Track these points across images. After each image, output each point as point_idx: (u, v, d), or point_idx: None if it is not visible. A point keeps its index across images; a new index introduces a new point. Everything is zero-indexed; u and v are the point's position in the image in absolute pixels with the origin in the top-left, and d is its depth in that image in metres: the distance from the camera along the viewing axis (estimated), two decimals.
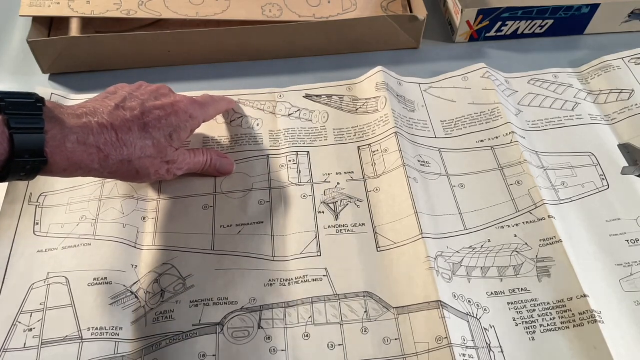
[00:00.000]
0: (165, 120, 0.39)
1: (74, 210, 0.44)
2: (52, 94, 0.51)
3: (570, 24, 0.57)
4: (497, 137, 0.48)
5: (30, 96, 0.33)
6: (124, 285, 0.40)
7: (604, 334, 0.36)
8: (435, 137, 0.49)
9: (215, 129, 0.50)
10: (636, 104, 0.50)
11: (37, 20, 0.55)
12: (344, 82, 0.53)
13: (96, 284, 0.40)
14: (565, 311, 0.38)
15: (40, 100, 0.33)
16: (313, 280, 0.40)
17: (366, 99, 0.51)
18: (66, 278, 0.40)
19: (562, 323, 0.37)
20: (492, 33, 0.57)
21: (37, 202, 0.45)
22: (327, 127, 0.50)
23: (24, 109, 0.32)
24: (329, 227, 0.43)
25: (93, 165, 0.35)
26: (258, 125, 0.50)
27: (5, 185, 0.45)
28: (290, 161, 0.47)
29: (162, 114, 0.39)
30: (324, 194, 0.45)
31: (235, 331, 0.38)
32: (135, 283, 0.40)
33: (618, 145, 0.48)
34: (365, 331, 0.38)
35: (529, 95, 0.52)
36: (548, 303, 0.38)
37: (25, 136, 0.31)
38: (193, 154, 0.43)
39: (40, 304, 0.39)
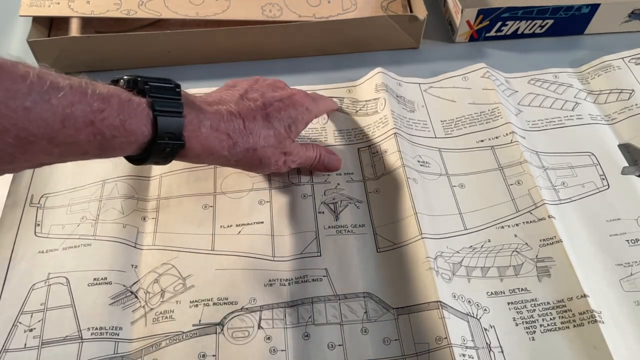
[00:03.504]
0: (285, 111, 0.39)
1: (75, 211, 0.44)
2: None
3: (570, 24, 0.57)
4: (497, 137, 0.48)
5: (169, 81, 0.34)
6: (124, 285, 0.40)
7: (604, 333, 0.36)
8: (435, 137, 0.49)
9: None
10: (636, 104, 0.50)
11: (37, 20, 0.55)
12: (344, 84, 0.53)
13: (96, 284, 0.40)
14: (565, 311, 0.38)
15: (178, 86, 0.34)
16: (313, 280, 0.40)
17: (366, 101, 0.51)
18: (66, 278, 0.40)
19: (562, 323, 0.37)
20: (492, 33, 0.57)
21: (39, 203, 0.45)
22: (326, 128, 0.50)
23: (166, 93, 0.33)
24: (329, 227, 0.43)
25: (222, 152, 0.36)
26: None
27: (7, 187, 0.46)
28: None
29: (282, 105, 0.39)
30: (324, 195, 0.45)
31: (235, 331, 0.38)
32: (135, 283, 0.40)
33: (618, 145, 0.48)
34: (365, 331, 0.38)
35: (529, 95, 0.52)
36: (548, 303, 0.38)
37: (167, 119, 0.32)
38: (305, 148, 0.43)
39: (41, 305, 0.39)
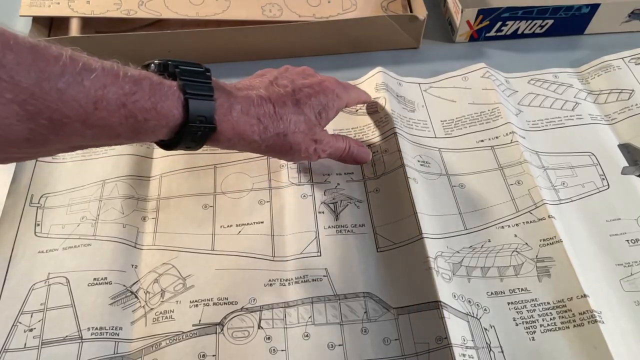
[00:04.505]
0: (315, 98, 0.39)
1: (75, 211, 0.44)
2: None
3: (570, 24, 0.57)
4: (497, 137, 0.48)
5: (199, 65, 0.34)
6: (124, 285, 0.40)
7: (604, 334, 0.36)
8: (435, 137, 0.49)
9: None
10: (636, 104, 0.50)
11: (37, 20, 0.55)
12: None
13: (96, 284, 0.40)
14: (566, 311, 0.38)
15: (208, 70, 0.34)
16: (313, 280, 0.40)
17: None
18: (66, 278, 0.40)
19: (562, 323, 0.37)
20: (492, 33, 0.57)
21: (38, 203, 0.45)
22: (326, 128, 0.50)
23: (196, 76, 0.33)
24: (329, 227, 0.43)
25: (253, 137, 0.36)
26: None
27: (7, 187, 0.46)
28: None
29: (311, 91, 0.39)
30: (324, 194, 0.45)
31: (235, 331, 0.38)
32: (135, 283, 0.40)
33: (618, 145, 0.48)
34: (365, 331, 0.38)
35: (529, 95, 0.52)
36: (548, 303, 0.38)
37: (198, 102, 0.32)
38: (335, 138, 0.43)
39: (41, 304, 0.39)
